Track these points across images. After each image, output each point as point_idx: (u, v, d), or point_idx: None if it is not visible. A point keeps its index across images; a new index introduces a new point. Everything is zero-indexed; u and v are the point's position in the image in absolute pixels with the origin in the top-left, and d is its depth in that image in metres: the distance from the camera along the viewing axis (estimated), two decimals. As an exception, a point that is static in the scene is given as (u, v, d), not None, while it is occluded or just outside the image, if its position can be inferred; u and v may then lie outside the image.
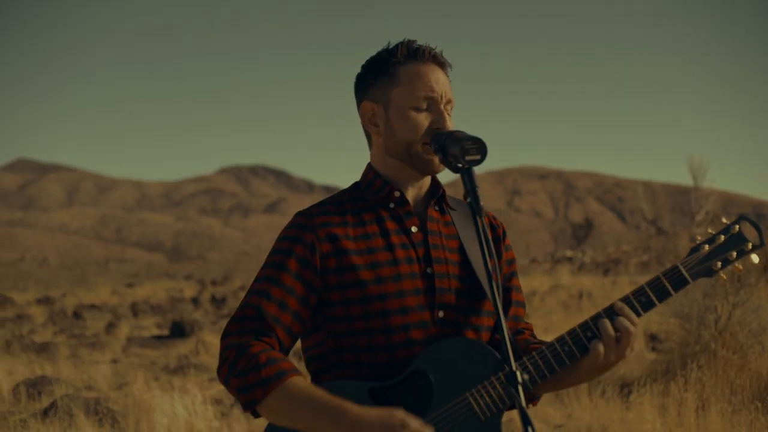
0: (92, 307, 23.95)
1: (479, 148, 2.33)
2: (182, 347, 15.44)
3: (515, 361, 2.39)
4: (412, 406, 2.36)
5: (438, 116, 2.50)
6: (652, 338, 11.93)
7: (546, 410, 8.51)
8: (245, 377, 2.31)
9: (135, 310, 23.45)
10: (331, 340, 2.47)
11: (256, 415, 2.38)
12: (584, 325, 2.42)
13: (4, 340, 14.51)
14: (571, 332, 2.42)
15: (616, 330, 2.39)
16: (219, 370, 2.39)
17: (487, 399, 2.35)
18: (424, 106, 2.50)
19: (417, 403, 2.37)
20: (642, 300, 2.44)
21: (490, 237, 2.38)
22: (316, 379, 2.53)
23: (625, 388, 8.84)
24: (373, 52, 2.61)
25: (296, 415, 2.30)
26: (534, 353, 2.40)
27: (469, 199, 2.30)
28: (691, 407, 7.16)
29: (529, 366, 2.39)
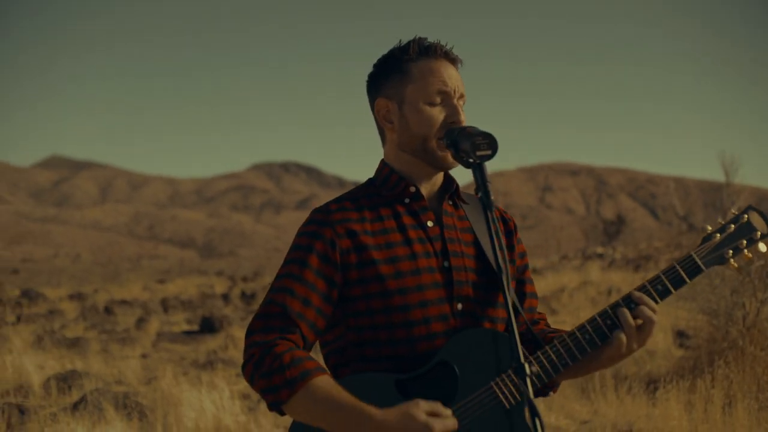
0: (123, 302, 24.08)
1: (490, 143, 2.37)
2: (211, 342, 15.53)
3: (537, 349, 2.49)
4: (438, 396, 2.39)
5: (452, 110, 2.53)
6: (680, 334, 11.87)
7: (572, 406, 8.51)
8: (270, 378, 2.34)
9: (165, 305, 23.59)
10: (351, 334, 2.50)
11: (282, 414, 2.40)
12: (604, 314, 2.47)
13: (35, 335, 14.67)
14: (592, 321, 2.47)
15: (636, 318, 2.43)
16: (243, 367, 2.42)
17: (511, 387, 2.39)
18: (438, 100, 2.54)
19: (443, 393, 2.41)
20: (659, 288, 2.50)
21: (501, 230, 2.49)
22: (335, 373, 2.56)
23: (652, 384, 8.81)
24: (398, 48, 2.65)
25: (321, 416, 2.33)
26: (555, 341, 2.45)
27: (480, 194, 2.35)
28: (718, 404, 7.13)
29: (552, 355, 2.43)
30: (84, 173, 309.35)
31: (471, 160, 2.38)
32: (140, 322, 18.96)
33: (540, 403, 8.58)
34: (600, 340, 2.45)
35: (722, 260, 2.55)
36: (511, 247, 2.70)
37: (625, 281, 19.72)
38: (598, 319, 2.47)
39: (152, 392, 9.68)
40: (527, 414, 2.38)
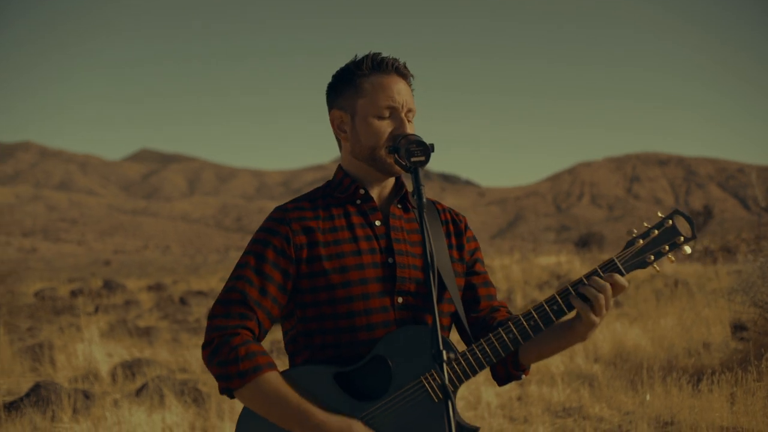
0: (199, 293, 24.45)
1: (423, 150, 2.60)
2: (277, 332, 15.80)
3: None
4: (372, 389, 2.62)
5: (399, 123, 2.74)
6: (739, 328, 11.76)
7: (619, 397, 8.56)
8: (225, 368, 2.58)
9: (240, 296, 23.86)
10: (300, 324, 2.73)
11: (232, 398, 2.66)
12: (551, 300, 2.66)
13: (109, 324, 15.15)
14: (538, 307, 2.66)
15: (598, 290, 2.59)
16: (203, 348, 2.66)
17: (440, 381, 2.56)
18: (387, 114, 2.75)
19: (376, 386, 2.62)
20: (579, 291, 2.65)
21: (451, 231, 2.84)
22: (291, 361, 2.80)
23: (696, 375, 8.82)
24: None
25: (267, 409, 2.58)
26: (520, 317, 2.65)
27: (415, 196, 2.54)
28: (760, 396, 7.15)
29: (513, 329, 2.64)
30: (173, 166, 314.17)
31: (407, 165, 2.60)
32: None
33: (585, 394, 8.66)
34: (544, 325, 2.63)
35: (644, 264, 2.66)
36: (460, 246, 2.90)
37: (697, 273, 19.49)
38: (545, 305, 2.65)
39: (212, 380, 10.01)
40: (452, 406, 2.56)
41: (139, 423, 7.69)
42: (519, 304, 17.04)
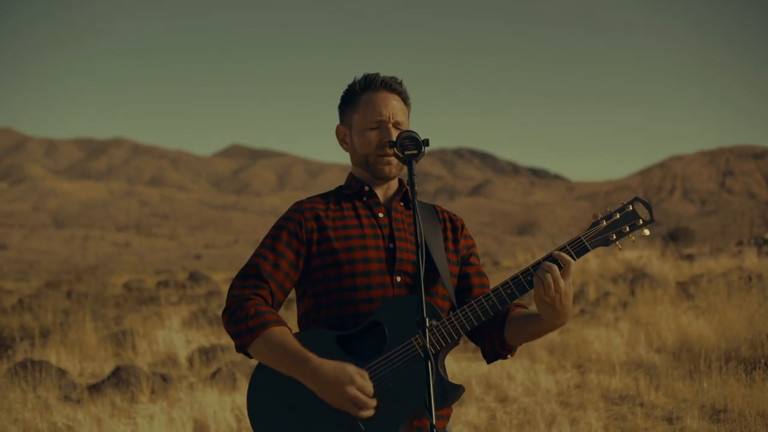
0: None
1: (416, 144, 3.00)
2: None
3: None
4: (370, 349, 3.01)
5: (385, 133, 3.18)
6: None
7: (675, 385, 8.70)
8: (238, 325, 2.98)
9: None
10: (311, 300, 3.15)
11: (249, 356, 3.05)
12: (525, 272, 3.01)
13: (191, 313, 15.71)
14: (514, 278, 3.02)
15: (545, 270, 2.92)
16: (222, 314, 3.08)
17: (427, 342, 2.90)
18: (375, 126, 3.19)
19: (373, 347, 3.01)
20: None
21: (449, 227, 3.27)
22: None
23: (754, 366, 8.90)
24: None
25: (273, 358, 2.97)
26: (499, 286, 3.01)
27: (409, 187, 2.97)
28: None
29: (492, 295, 3.00)
30: (262, 161, 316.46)
31: (402, 158, 3.01)
32: (289, 302, 19.75)
33: (642, 382, 8.81)
34: (519, 293, 2.99)
35: (607, 242, 3.01)
36: (455, 240, 3.30)
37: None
38: (520, 276, 3.00)
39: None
40: (439, 364, 2.97)
41: (210, 404, 8.11)
42: (592, 297, 17.13)
